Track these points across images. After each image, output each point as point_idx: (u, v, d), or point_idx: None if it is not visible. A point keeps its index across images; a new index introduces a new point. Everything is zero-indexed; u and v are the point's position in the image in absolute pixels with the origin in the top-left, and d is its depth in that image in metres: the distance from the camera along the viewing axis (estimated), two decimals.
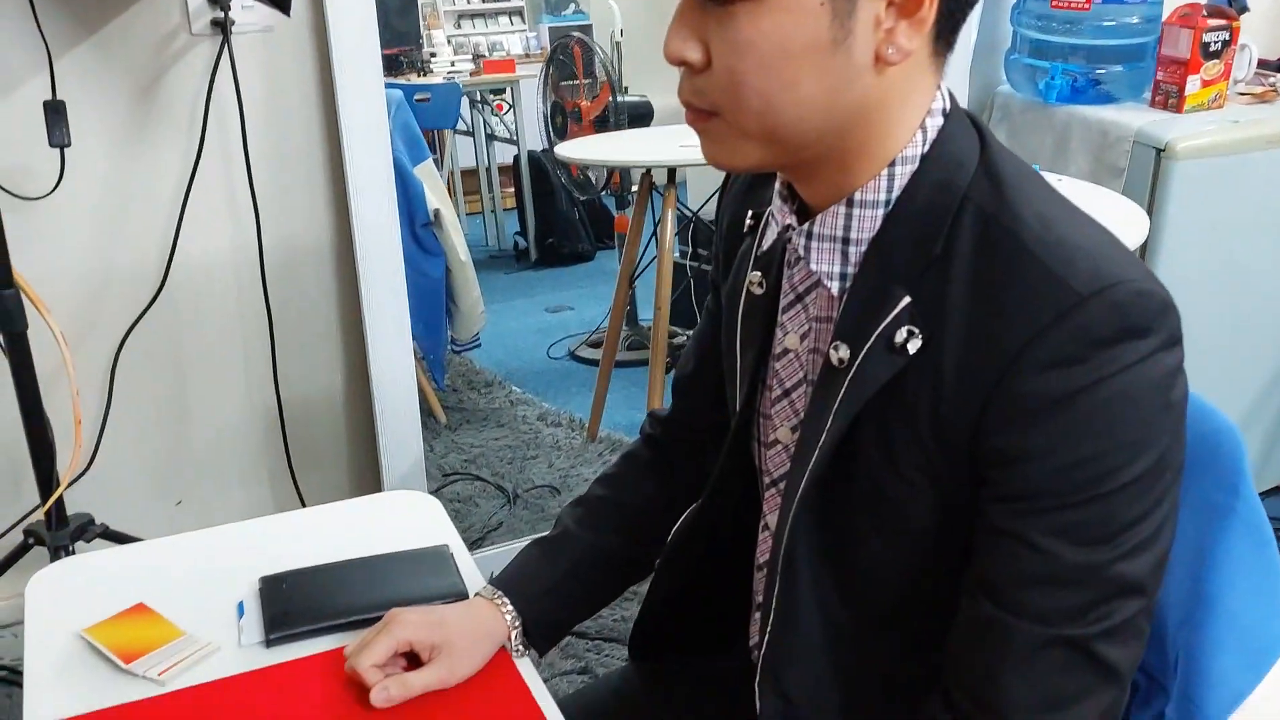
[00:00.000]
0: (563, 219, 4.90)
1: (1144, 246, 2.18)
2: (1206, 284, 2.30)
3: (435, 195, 3.00)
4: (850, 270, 0.81)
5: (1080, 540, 0.72)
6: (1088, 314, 0.70)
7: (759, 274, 0.92)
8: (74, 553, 1.80)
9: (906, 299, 0.76)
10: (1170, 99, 2.28)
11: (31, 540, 1.84)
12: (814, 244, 0.82)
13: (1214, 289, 2.32)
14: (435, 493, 2.71)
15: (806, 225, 0.82)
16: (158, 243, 1.99)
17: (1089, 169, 2.33)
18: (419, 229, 3.08)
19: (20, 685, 0.95)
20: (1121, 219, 1.99)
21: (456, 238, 3.10)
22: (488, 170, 5.14)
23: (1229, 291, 2.34)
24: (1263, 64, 2.52)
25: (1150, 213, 2.19)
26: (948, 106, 0.79)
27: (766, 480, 0.95)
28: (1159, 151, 2.17)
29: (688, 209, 3.36)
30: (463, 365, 3.55)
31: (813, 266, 0.82)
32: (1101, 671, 0.73)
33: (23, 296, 1.71)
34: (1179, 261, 2.23)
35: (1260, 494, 2.74)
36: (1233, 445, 0.97)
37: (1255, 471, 2.67)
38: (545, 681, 0.96)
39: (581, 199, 4.80)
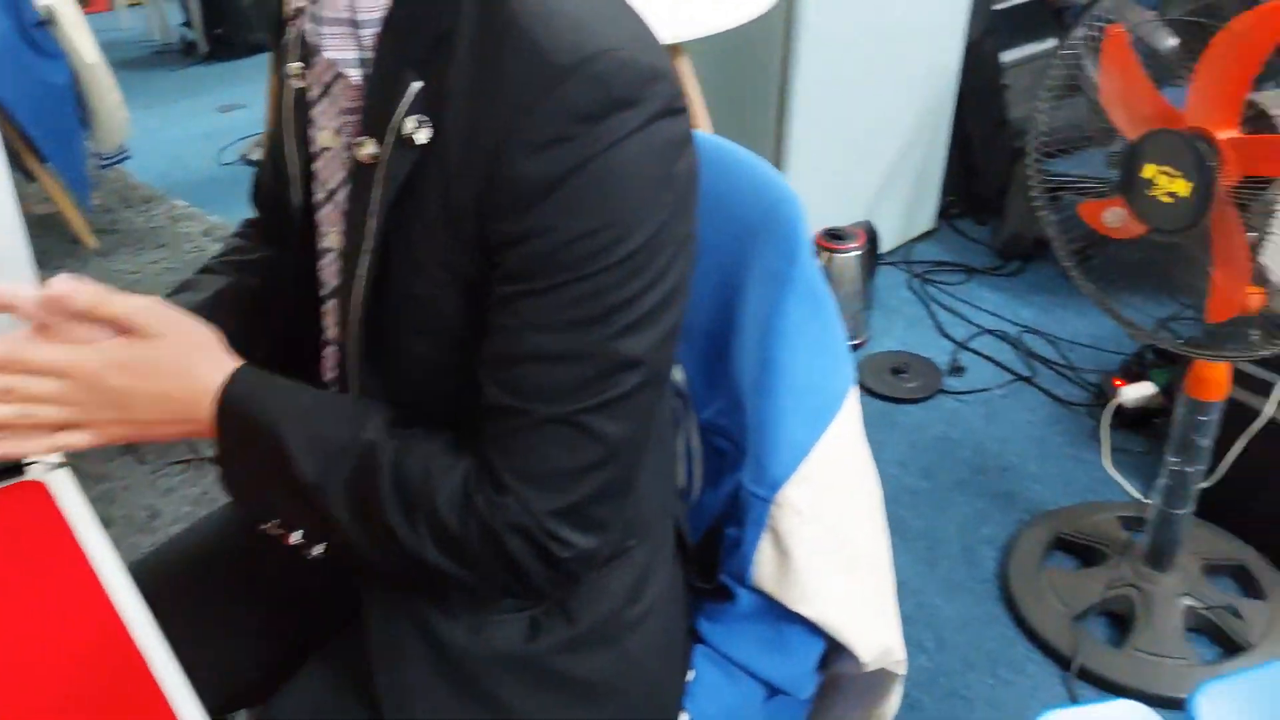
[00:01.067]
0: (232, 5, 4.44)
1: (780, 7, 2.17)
2: (852, 34, 2.33)
3: None
4: (368, 55, 0.74)
5: (574, 320, 0.70)
6: (570, 88, 0.66)
7: (300, 64, 0.83)
8: None
9: (417, 84, 0.71)
10: None
11: None
12: (325, 29, 0.74)
13: (861, 38, 2.35)
14: None
15: (312, 7, 0.73)
16: None
17: None
18: (30, 30, 2.71)
19: None
20: None
21: (80, 35, 2.74)
22: None
23: (876, 40, 2.39)
24: None
25: None
26: None
27: (324, 292, 0.89)
28: None
29: None
30: (117, 181, 3.23)
31: (327, 54, 0.74)
32: (598, 446, 0.73)
33: None
34: (823, 10, 2.23)
35: (911, 240, 2.89)
36: (792, 214, 0.98)
37: (907, 217, 2.83)
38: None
39: None
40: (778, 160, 2.35)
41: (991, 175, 2.77)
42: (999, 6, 2.68)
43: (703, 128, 1.88)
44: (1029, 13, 2.73)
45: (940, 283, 2.65)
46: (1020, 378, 2.30)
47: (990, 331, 2.45)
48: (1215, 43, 1.28)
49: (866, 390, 2.23)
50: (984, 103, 2.71)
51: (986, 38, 2.65)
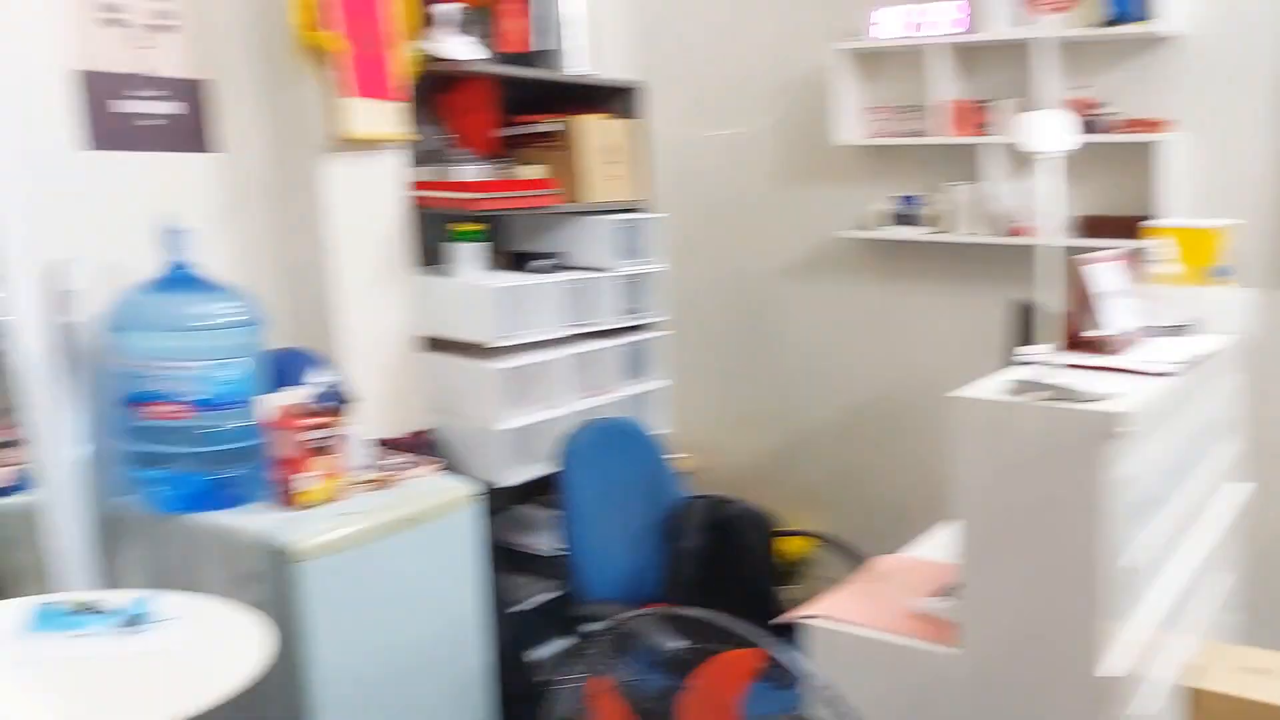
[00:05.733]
0: None
1: (278, 656, 2.00)
2: (362, 681, 2.20)
3: None
4: None
5: None
6: None
7: None
8: None
9: None
10: (289, 497, 2.22)
11: None
12: None
13: (370, 683, 2.23)
14: None
15: None
16: None
17: (225, 578, 2.14)
18: None
19: None
20: (232, 638, 1.80)
21: None
22: None
23: (386, 683, 2.27)
24: (391, 444, 2.61)
25: (287, 618, 2.05)
26: None
27: None
28: (281, 553, 2.07)
29: None
30: None
31: None
32: None
33: None
34: (326, 664, 2.09)
35: None
36: None
37: None
38: None
39: None
40: None
41: None
42: None
43: None
44: None
45: None
46: None
47: None
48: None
49: None
50: None
51: None
